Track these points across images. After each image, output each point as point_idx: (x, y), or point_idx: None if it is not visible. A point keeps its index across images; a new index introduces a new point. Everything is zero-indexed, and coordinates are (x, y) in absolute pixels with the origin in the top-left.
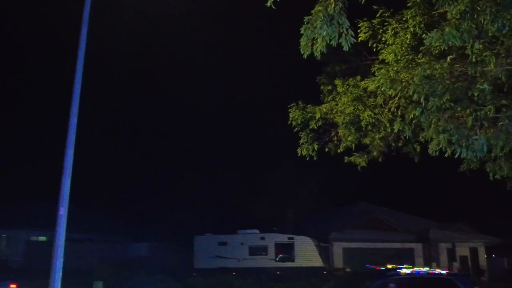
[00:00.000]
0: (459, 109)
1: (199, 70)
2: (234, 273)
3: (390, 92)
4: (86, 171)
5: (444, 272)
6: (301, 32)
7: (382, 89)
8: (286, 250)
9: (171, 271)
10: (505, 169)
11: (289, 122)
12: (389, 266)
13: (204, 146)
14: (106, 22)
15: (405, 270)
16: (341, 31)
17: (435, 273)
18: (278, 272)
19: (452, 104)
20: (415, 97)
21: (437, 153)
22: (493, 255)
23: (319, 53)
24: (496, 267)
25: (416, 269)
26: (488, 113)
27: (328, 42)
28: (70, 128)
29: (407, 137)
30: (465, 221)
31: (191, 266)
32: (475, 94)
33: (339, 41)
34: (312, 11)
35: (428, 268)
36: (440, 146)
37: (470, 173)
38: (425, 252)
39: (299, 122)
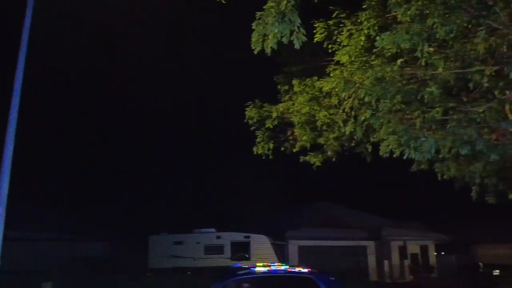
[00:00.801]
0: (408, 111)
1: (150, 65)
2: (189, 272)
3: (343, 94)
4: (38, 169)
5: (305, 270)
6: (253, 27)
7: (336, 90)
8: (242, 249)
9: (125, 271)
10: (452, 170)
11: (245, 120)
12: (259, 264)
13: (159, 144)
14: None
15: (261, 268)
16: (293, 29)
17: (294, 271)
18: None
19: (402, 106)
20: (367, 99)
21: (388, 154)
22: (442, 253)
23: (269, 49)
24: (445, 264)
25: (274, 267)
26: (436, 115)
27: (279, 39)
28: (10, 123)
29: (358, 138)
30: (416, 219)
31: (146, 266)
32: (425, 96)
33: (291, 38)
34: (265, 7)
35: (287, 266)
36: (390, 147)
37: (421, 173)
38: (377, 250)
39: (256, 121)
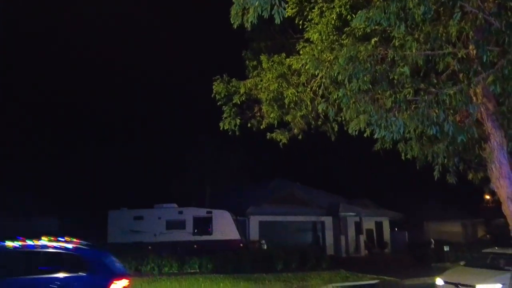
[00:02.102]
0: (379, 91)
1: (116, 38)
2: (150, 247)
3: (315, 72)
4: None
5: (70, 246)
6: (233, 0)
7: (307, 67)
8: (205, 224)
9: None
10: (415, 150)
11: (212, 95)
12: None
13: (122, 117)
14: None
15: (12, 243)
16: (274, 2)
17: (56, 246)
18: (195, 246)
19: (374, 86)
20: (340, 78)
21: (356, 133)
22: (396, 229)
23: (249, 24)
24: (398, 240)
25: (30, 242)
26: (407, 95)
27: (260, 13)
28: None
29: (331, 117)
30: (371, 197)
31: (105, 241)
32: (395, 77)
33: (272, 13)
34: None
35: (48, 241)
36: (359, 126)
37: (380, 153)
38: (335, 225)
39: (223, 96)
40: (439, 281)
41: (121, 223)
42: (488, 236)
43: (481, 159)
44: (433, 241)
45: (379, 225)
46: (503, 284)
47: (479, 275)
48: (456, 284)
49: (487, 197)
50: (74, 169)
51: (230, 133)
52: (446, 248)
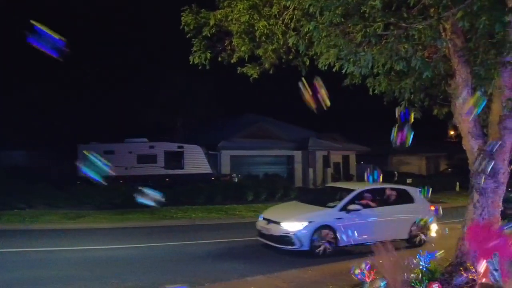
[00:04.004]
0: (350, 25)
1: None
2: (121, 181)
3: (287, 3)
4: None
5: None
6: None
7: None
8: (176, 158)
9: (52, 180)
10: (383, 85)
11: (181, 27)
12: None
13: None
14: None
15: None
16: None
17: None
18: (167, 179)
19: (344, 20)
20: (312, 9)
21: (326, 67)
22: (362, 162)
23: None
24: (364, 172)
25: None
26: (377, 30)
27: None
28: None
29: (301, 51)
30: (340, 131)
31: (74, 175)
32: (367, 10)
33: None
34: None
35: None
36: (329, 60)
37: (353, 87)
38: (303, 159)
39: (192, 28)
40: (260, 216)
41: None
42: (449, 169)
43: (446, 95)
44: (396, 173)
45: (346, 159)
46: (309, 221)
47: (292, 211)
48: (268, 220)
49: (451, 132)
50: (44, 102)
51: (200, 67)
52: (408, 180)
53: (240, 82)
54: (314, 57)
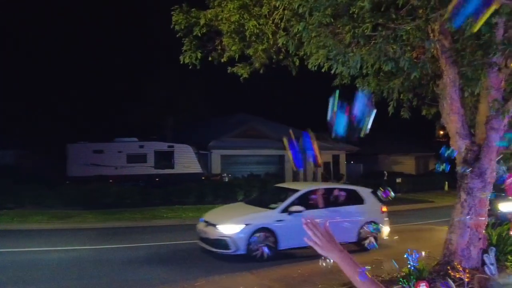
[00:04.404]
0: (339, 25)
1: None
2: (111, 180)
3: (276, 3)
4: None
5: None
6: None
7: None
8: (166, 158)
9: (41, 180)
10: (373, 85)
11: (171, 26)
12: None
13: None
14: None
15: None
16: None
17: None
18: (157, 179)
19: (333, 20)
20: (301, 9)
21: (315, 68)
22: (352, 162)
23: None
24: (354, 172)
25: None
26: (366, 30)
27: None
28: None
29: (291, 51)
30: (329, 132)
31: (64, 175)
32: (356, 11)
33: None
34: None
35: None
36: (319, 61)
37: (343, 88)
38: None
39: (183, 27)
40: (201, 218)
41: (80, 157)
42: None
43: (434, 95)
44: (386, 173)
45: (336, 158)
46: (246, 224)
47: (232, 213)
48: (207, 222)
49: (441, 132)
50: (33, 101)
51: (190, 67)
52: (398, 180)
53: (231, 82)
54: (304, 57)
